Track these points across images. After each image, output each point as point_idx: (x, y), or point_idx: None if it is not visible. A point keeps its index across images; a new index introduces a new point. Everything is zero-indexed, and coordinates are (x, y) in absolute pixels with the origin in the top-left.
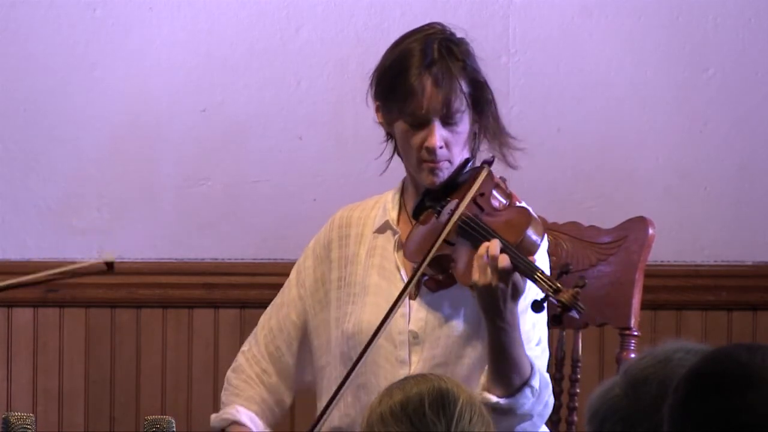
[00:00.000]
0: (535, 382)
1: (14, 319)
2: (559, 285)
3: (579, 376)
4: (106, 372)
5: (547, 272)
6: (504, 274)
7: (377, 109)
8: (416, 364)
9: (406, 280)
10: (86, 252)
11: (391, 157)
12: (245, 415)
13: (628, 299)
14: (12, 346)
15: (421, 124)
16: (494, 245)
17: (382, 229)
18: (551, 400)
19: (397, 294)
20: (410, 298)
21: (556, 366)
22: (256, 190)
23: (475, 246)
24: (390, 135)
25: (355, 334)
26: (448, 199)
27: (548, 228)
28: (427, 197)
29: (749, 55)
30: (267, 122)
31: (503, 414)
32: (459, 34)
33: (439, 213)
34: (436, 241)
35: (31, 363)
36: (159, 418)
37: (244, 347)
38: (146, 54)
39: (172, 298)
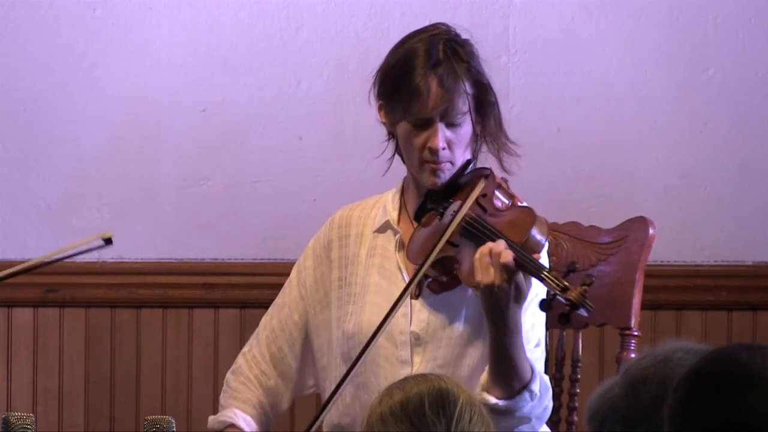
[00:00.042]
0: (535, 387)
1: (14, 319)
2: (566, 283)
3: (579, 376)
4: (106, 372)
5: None
6: (507, 272)
7: (380, 108)
8: (418, 365)
9: (407, 281)
10: (86, 252)
11: (393, 156)
12: (242, 418)
13: (628, 299)
14: (12, 346)
15: (425, 124)
16: (497, 244)
17: (382, 229)
18: (550, 404)
19: (397, 294)
20: (412, 298)
21: (556, 366)
22: (256, 190)
23: (479, 247)
24: (392, 134)
25: (356, 333)
26: (451, 200)
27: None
28: (428, 199)
29: (749, 55)
30: (267, 122)
31: (501, 415)
32: (463, 35)
33: (441, 215)
34: (439, 242)
35: (31, 363)
36: (159, 418)
37: (245, 348)
38: (146, 54)
39: (172, 298)
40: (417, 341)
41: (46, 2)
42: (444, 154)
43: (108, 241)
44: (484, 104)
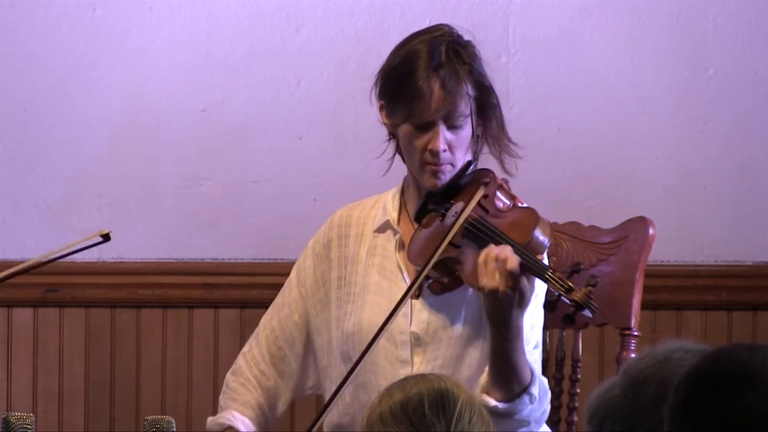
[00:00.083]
0: (535, 390)
1: (14, 319)
2: (571, 284)
3: (579, 376)
4: (106, 372)
5: None
6: (512, 278)
7: (381, 109)
8: (419, 365)
9: (408, 281)
10: (86, 252)
11: (393, 156)
12: (240, 421)
13: (628, 299)
14: (12, 346)
15: (426, 126)
16: (503, 250)
17: (382, 229)
18: (548, 407)
19: (398, 294)
20: (412, 298)
21: (556, 366)
22: (256, 190)
23: (482, 248)
24: (392, 135)
25: (355, 333)
26: (452, 201)
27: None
28: (429, 200)
29: (749, 55)
30: (267, 122)
31: (501, 418)
32: (465, 37)
33: (443, 216)
34: (441, 243)
35: (31, 363)
36: (159, 418)
37: (245, 348)
38: (146, 54)
39: (172, 298)
40: (417, 341)
41: (46, 2)
42: (445, 156)
43: (106, 237)
44: (486, 106)
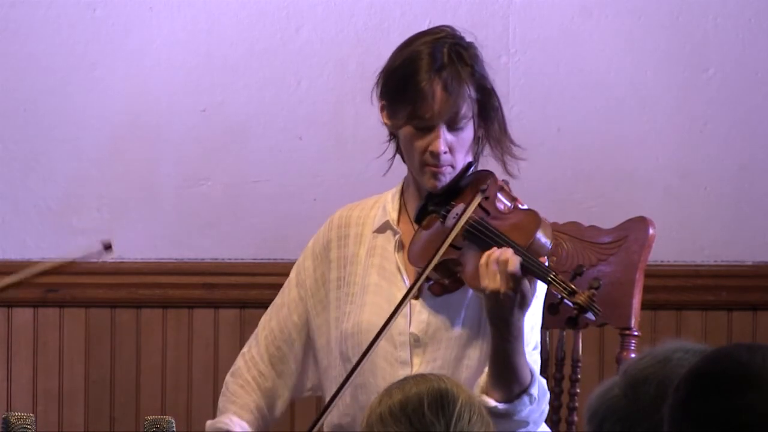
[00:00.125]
0: (534, 390)
1: (14, 319)
2: (573, 287)
3: (579, 376)
4: (106, 372)
5: None
6: (513, 280)
7: (382, 109)
8: (418, 367)
9: (407, 282)
10: (86, 252)
11: (393, 156)
12: (238, 425)
13: (629, 299)
14: (12, 346)
15: (427, 127)
16: (504, 252)
17: (381, 229)
18: (547, 408)
19: (398, 294)
20: (412, 299)
21: (556, 366)
22: (256, 190)
23: (483, 250)
24: (393, 135)
25: (355, 333)
26: (453, 203)
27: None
28: (430, 201)
29: (749, 55)
30: (267, 122)
31: (500, 418)
32: (467, 38)
33: (444, 217)
34: (441, 245)
35: (31, 363)
36: (159, 418)
37: (244, 349)
38: (146, 54)
39: (172, 298)
40: (416, 342)
41: (46, 2)
42: (445, 158)
43: (107, 247)
44: (488, 108)
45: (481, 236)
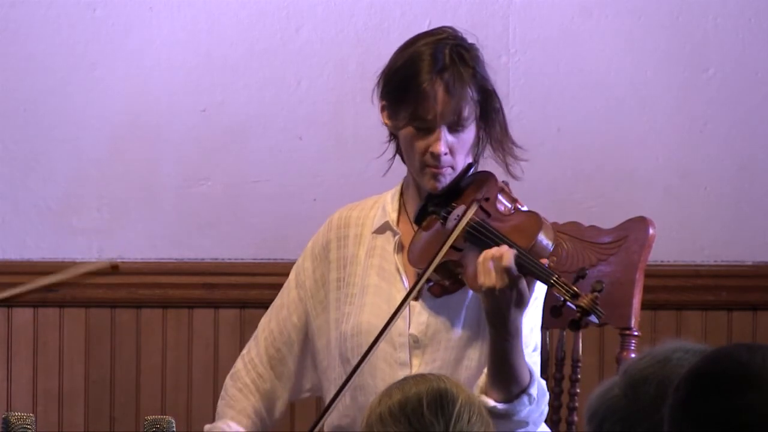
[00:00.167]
0: (533, 391)
1: (14, 319)
2: (576, 289)
3: (579, 376)
4: (106, 372)
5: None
6: (508, 276)
7: (382, 109)
8: (417, 368)
9: (406, 283)
10: (86, 252)
11: (393, 156)
12: (235, 430)
13: (629, 299)
14: (12, 346)
15: (428, 128)
16: (499, 248)
17: (381, 230)
18: (546, 409)
19: (397, 295)
20: (412, 299)
21: (556, 366)
22: (256, 190)
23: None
24: (393, 135)
25: (354, 335)
26: (453, 204)
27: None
28: (430, 202)
29: (749, 55)
30: (267, 122)
31: (499, 418)
32: (469, 39)
33: (444, 219)
34: (442, 246)
35: (31, 363)
36: (159, 418)
37: (244, 351)
38: (146, 54)
39: (172, 298)
40: (416, 344)
41: (46, 2)
42: (446, 159)
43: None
44: (489, 110)
45: (482, 238)
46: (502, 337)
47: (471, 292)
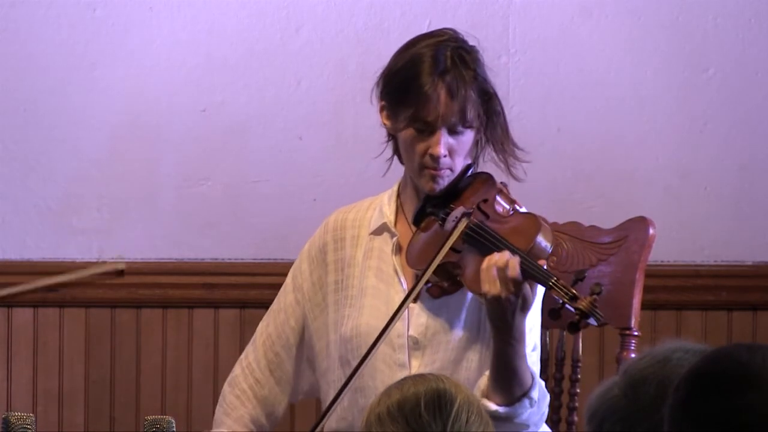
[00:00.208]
0: (535, 393)
1: (14, 319)
2: (575, 292)
3: (579, 376)
4: (106, 372)
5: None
6: (515, 285)
7: (381, 110)
8: (416, 369)
9: (405, 285)
10: (86, 252)
11: (392, 157)
12: None
13: (629, 299)
14: (12, 346)
15: (428, 130)
16: (503, 256)
17: (378, 231)
18: (547, 410)
19: (396, 297)
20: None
21: (556, 366)
22: (256, 190)
23: (483, 253)
24: (391, 135)
25: (354, 337)
26: (452, 206)
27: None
28: (428, 203)
29: (749, 55)
30: (267, 122)
31: (501, 422)
32: (469, 41)
33: (443, 220)
34: (441, 248)
35: (31, 363)
36: (159, 418)
37: (242, 355)
38: (146, 54)
39: (172, 298)
40: (415, 345)
41: (46, 2)
42: (445, 161)
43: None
44: (490, 112)
45: (481, 240)
46: (505, 342)
47: (470, 293)
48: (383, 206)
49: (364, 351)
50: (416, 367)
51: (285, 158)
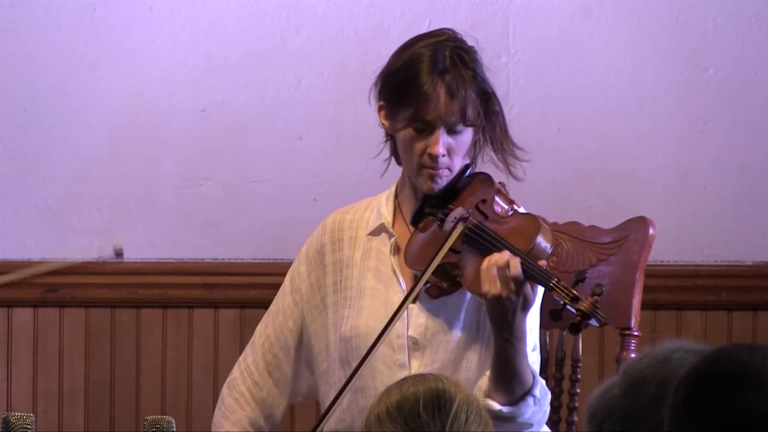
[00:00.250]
0: (537, 392)
1: (14, 319)
2: (576, 293)
3: (579, 376)
4: (106, 372)
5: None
6: (515, 284)
7: (380, 110)
8: (416, 369)
9: (403, 285)
10: (86, 252)
11: (390, 157)
12: None
13: (629, 299)
14: (12, 346)
15: (427, 130)
16: (503, 255)
17: (376, 232)
18: (548, 408)
19: (394, 297)
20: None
21: (556, 366)
22: (256, 190)
23: (483, 254)
24: (389, 135)
25: (353, 337)
26: (450, 206)
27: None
28: (426, 204)
29: (749, 55)
30: (267, 122)
31: (505, 421)
32: (468, 41)
33: (441, 221)
34: (440, 249)
35: (31, 363)
36: (159, 418)
37: (241, 357)
38: (146, 54)
39: (172, 298)
40: (415, 345)
41: (46, 2)
42: (443, 160)
43: (119, 254)
44: (489, 112)
45: (480, 240)
46: (507, 341)
47: (469, 293)
48: (381, 207)
49: (363, 351)
50: (416, 367)
51: (285, 158)
